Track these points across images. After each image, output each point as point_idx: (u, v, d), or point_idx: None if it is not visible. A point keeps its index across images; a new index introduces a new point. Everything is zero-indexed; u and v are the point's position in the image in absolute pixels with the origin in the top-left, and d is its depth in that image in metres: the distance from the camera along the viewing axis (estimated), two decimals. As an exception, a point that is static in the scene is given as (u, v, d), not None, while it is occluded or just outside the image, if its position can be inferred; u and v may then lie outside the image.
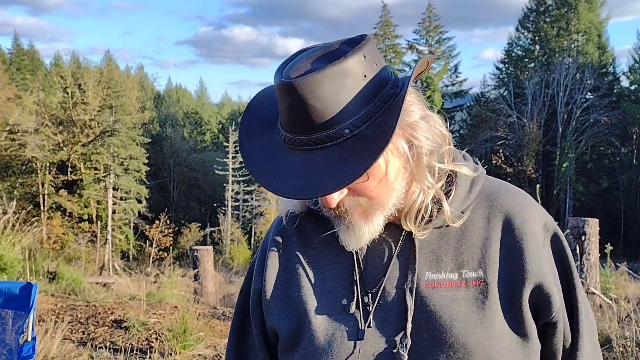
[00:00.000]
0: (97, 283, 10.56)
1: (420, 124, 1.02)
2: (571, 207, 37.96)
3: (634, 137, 40.72)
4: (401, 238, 1.10)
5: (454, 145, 1.13)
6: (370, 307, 1.07)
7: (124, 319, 6.32)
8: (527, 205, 1.12)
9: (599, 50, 41.50)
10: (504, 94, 42.30)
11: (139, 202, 40.07)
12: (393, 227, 1.10)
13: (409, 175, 1.05)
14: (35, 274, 8.32)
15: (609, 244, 7.42)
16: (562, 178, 38.42)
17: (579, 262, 6.81)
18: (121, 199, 39.20)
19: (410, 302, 1.04)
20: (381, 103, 0.98)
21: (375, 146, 0.94)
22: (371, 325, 1.06)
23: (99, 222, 36.79)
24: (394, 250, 1.10)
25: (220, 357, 5.26)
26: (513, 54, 44.45)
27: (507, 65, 44.81)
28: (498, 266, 1.06)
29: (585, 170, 40.42)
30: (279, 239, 1.20)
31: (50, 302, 7.08)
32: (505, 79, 43.38)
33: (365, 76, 0.98)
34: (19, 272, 7.89)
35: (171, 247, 30.11)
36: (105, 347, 5.40)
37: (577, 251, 7.01)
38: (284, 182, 0.98)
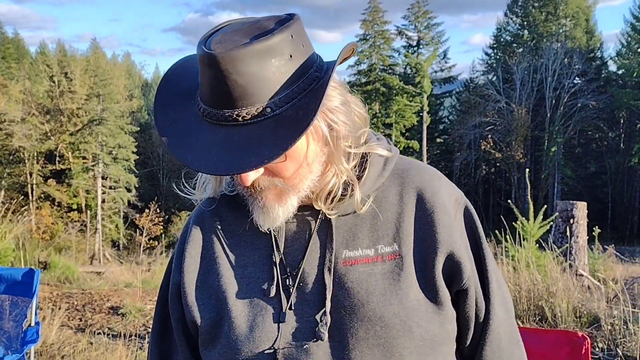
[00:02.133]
0: (90, 272, 10.57)
1: (340, 109, 1.02)
2: (559, 191, 38.29)
3: (622, 121, 41.05)
4: (318, 219, 1.10)
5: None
6: (291, 289, 1.07)
7: (120, 305, 6.37)
8: (437, 180, 1.14)
9: (587, 34, 41.66)
10: (493, 79, 42.41)
11: (129, 190, 39.89)
12: (311, 209, 1.10)
13: (325, 159, 1.05)
14: (27, 263, 8.32)
15: (596, 227, 7.55)
16: (551, 163, 38.71)
17: (568, 245, 6.93)
18: (110, 188, 39.01)
19: (328, 280, 1.06)
20: (305, 85, 0.97)
21: (296, 128, 0.93)
22: (292, 308, 1.06)
23: (88, 211, 36.63)
24: (312, 232, 1.10)
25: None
26: (502, 39, 44.52)
27: (495, 50, 44.89)
28: (412, 239, 1.09)
29: (573, 154, 40.75)
30: (197, 230, 1.17)
31: (45, 290, 7.11)
32: (494, 65, 43.48)
33: (291, 56, 0.97)
34: (10, 261, 7.89)
35: (162, 236, 30.08)
36: (103, 333, 5.45)
37: (567, 234, 7.13)
38: (199, 157, 0.96)
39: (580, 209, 7.45)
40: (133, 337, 5.22)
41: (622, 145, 40.58)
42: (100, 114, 38.38)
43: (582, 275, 6.73)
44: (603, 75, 41.65)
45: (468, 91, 44.83)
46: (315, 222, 1.10)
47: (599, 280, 6.29)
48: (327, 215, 1.09)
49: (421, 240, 1.09)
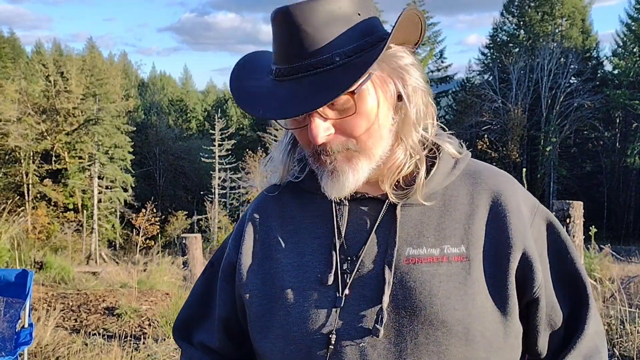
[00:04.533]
0: (85, 272, 10.54)
1: (411, 70, 1.03)
2: (555, 190, 38.37)
3: (617, 121, 41.15)
4: (382, 211, 1.07)
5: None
6: (348, 278, 1.04)
7: (116, 306, 6.34)
8: (511, 183, 1.11)
9: (583, 34, 41.75)
10: (489, 79, 42.46)
11: (125, 190, 39.82)
12: (375, 200, 1.08)
13: (395, 130, 1.05)
14: (23, 263, 8.29)
15: (592, 226, 7.55)
16: (546, 162, 38.79)
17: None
18: (107, 187, 38.93)
19: (388, 276, 1.01)
20: (373, 41, 0.99)
21: (359, 70, 0.95)
22: (348, 298, 1.03)
23: (84, 211, 36.54)
24: (375, 223, 1.06)
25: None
26: (498, 39, 44.58)
27: (492, 50, 44.94)
28: (482, 242, 1.04)
29: (569, 154, 40.82)
30: (258, 214, 1.17)
31: (40, 290, 7.07)
32: (490, 64, 43.52)
33: (359, 14, 1.00)
34: (5, 262, 7.86)
35: (158, 236, 30.01)
36: (99, 334, 5.42)
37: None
38: (271, 106, 0.99)
39: (576, 209, 7.44)
40: (128, 338, 5.20)
41: (617, 145, 40.67)
42: (97, 113, 38.29)
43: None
44: (599, 75, 41.74)
45: (464, 91, 44.88)
46: (379, 213, 1.07)
47: (595, 280, 6.29)
48: (392, 200, 1.06)
49: (492, 244, 1.04)
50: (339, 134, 1.01)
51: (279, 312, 1.06)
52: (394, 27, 0.99)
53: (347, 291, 1.03)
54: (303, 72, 0.98)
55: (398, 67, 1.02)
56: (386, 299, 1.00)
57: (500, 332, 1.02)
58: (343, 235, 1.07)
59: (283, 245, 1.11)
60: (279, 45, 1.01)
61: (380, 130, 1.02)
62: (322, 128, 0.99)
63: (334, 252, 1.06)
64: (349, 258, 1.05)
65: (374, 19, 1.03)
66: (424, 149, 1.08)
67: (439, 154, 1.09)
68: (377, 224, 1.06)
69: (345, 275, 1.04)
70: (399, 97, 1.03)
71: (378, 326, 0.99)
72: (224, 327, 1.16)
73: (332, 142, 1.01)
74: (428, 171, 1.06)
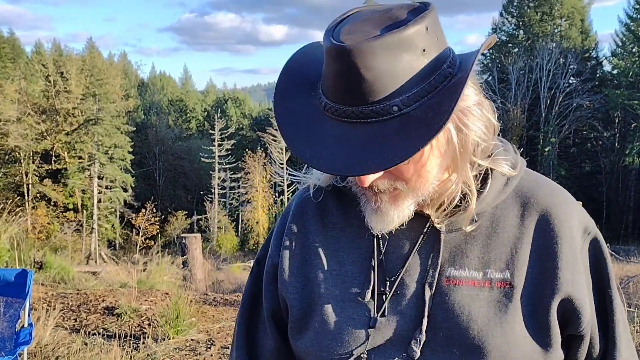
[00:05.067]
0: (85, 272, 10.56)
1: (474, 110, 0.94)
2: (555, 191, 38.39)
3: (616, 121, 41.17)
4: (426, 229, 1.02)
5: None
6: (386, 296, 1.00)
7: (116, 306, 6.35)
8: (568, 205, 1.03)
9: (582, 35, 41.78)
10: (488, 79, 42.46)
11: (125, 190, 39.82)
12: (419, 217, 1.02)
13: (449, 163, 0.97)
14: (22, 263, 8.30)
15: (591, 226, 7.57)
16: (545, 162, 38.81)
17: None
18: (106, 187, 38.94)
19: (428, 296, 0.98)
20: (436, 82, 0.89)
21: (426, 130, 0.85)
22: (385, 315, 1.00)
23: (84, 211, 36.56)
24: (417, 241, 1.02)
25: (213, 341, 5.33)
26: (497, 39, 44.56)
27: (491, 50, 44.89)
28: (527, 269, 0.98)
29: (568, 154, 40.85)
30: (299, 216, 1.13)
31: (40, 290, 7.08)
32: (490, 65, 43.54)
33: (424, 51, 0.88)
34: (5, 262, 7.87)
35: (158, 235, 30.03)
36: (98, 334, 5.44)
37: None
38: (318, 153, 0.90)
39: (575, 209, 7.46)
40: (128, 338, 5.21)
41: (616, 144, 40.70)
42: (96, 113, 38.31)
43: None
44: (598, 75, 41.77)
45: (464, 91, 44.88)
46: (423, 230, 1.02)
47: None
48: (435, 226, 1.01)
49: (538, 272, 0.98)
50: (385, 176, 0.95)
51: (316, 317, 1.04)
52: (468, 71, 0.89)
53: (383, 310, 1.00)
54: (355, 118, 0.89)
55: (460, 110, 0.93)
56: (425, 320, 0.97)
57: None
58: (383, 252, 1.03)
59: (323, 251, 1.08)
60: (332, 81, 0.91)
61: (432, 170, 0.95)
62: (371, 175, 0.93)
63: (372, 272, 1.02)
64: (387, 278, 1.02)
65: (441, 47, 0.92)
66: (476, 170, 1.01)
67: (492, 173, 1.02)
68: (419, 242, 1.02)
69: (383, 296, 1.01)
70: (459, 130, 0.94)
71: (415, 348, 0.97)
72: (273, 320, 1.15)
73: (378, 182, 0.95)
74: (478, 191, 1.00)
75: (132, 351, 4.83)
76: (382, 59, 0.86)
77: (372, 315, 1.01)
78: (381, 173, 0.93)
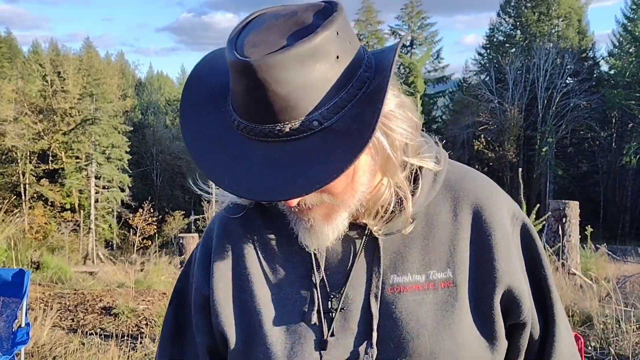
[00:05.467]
0: (82, 272, 10.54)
1: (397, 112, 0.89)
2: (552, 190, 38.43)
3: (613, 121, 41.23)
4: (364, 238, 0.99)
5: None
6: (333, 314, 0.97)
7: (113, 306, 6.34)
8: (495, 194, 1.03)
9: (579, 35, 41.82)
10: (486, 79, 42.50)
11: (122, 190, 39.75)
12: (355, 226, 0.98)
13: (378, 169, 0.92)
14: (19, 263, 8.29)
15: (589, 226, 7.59)
16: (543, 162, 38.84)
17: (560, 244, 6.95)
18: (104, 187, 38.86)
19: (375, 309, 0.95)
20: (355, 90, 0.83)
21: (352, 144, 0.79)
22: (334, 334, 0.96)
23: (81, 211, 36.48)
24: (356, 252, 0.98)
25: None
26: (495, 40, 44.63)
27: (488, 50, 44.99)
28: (468, 265, 0.98)
29: (565, 154, 40.89)
30: (224, 240, 1.04)
31: (37, 290, 7.07)
32: (487, 65, 43.58)
33: (338, 58, 0.82)
34: (2, 262, 7.85)
35: (155, 235, 29.98)
36: (96, 334, 5.42)
37: (559, 233, 7.16)
38: (238, 179, 0.83)
39: (573, 208, 7.48)
40: (125, 338, 5.20)
41: (613, 144, 40.75)
42: (94, 113, 38.23)
43: (575, 274, 6.76)
44: (595, 75, 41.82)
45: (461, 91, 44.92)
46: (361, 240, 0.99)
47: (591, 279, 6.32)
48: (375, 233, 0.97)
49: (477, 267, 0.98)
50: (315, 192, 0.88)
51: (260, 348, 0.98)
52: (388, 76, 0.83)
53: (332, 330, 0.96)
54: (273, 137, 0.82)
55: (383, 115, 0.86)
56: (375, 334, 0.95)
57: (487, 357, 0.99)
58: (323, 268, 0.98)
59: (258, 275, 1.01)
60: (241, 98, 0.84)
61: (361, 179, 0.91)
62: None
63: (314, 290, 0.98)
64: (331, 295, 0.98)
65: (355, 50, 0.86)
66: (404, 169, 0.97)
67: (421, 172, 0.99)
68: (359, 252, 0.99)
69: (331, 313, 0.97)
70: (384, 135, 0.90)
71: None
72: (209, 355, 1.06)
73: (307, 199, 0.89)
74: (411, 192, 0.98)
75: (129, 351, 4.82)
76: (293, 71, 0.79)
77: (321, 337, 0.96)
78: None
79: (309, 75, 0.80)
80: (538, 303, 1.03)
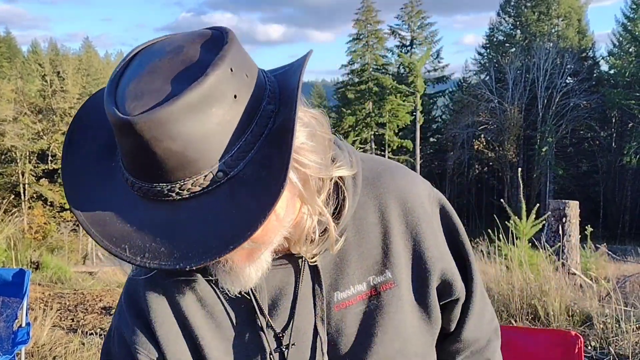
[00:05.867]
0: (82, 272, 10.54)
1: (307, 145, 0.80)
2: (551, 190, 38.45)
3: (613, 120, 41.26)
4: (301, 265, 0.95)
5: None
6: (286, 352, 0.94)
7: (113, 305, 6.34)
8: (413, 183, 1.00)
9: (579, 34, 41.86)
10: (486, 79, 42.53)
11: (122, 190, 39.83)
12: (287, 256, 0.94)
13: (296, 200, 0.85)
14: (19, 263, 8.29)
15: (588, 225, 7.59)
16: (543, 162, 38.86)
17: (560, 244, 6.95)
18: (103, 187, 38.91)
19: (323, 333, 0.94)
20: (259, 128, 0.74)
21: (263, 195, 0.71)
22: None
23: (81, 211, 36.48)
24: (297, 281, 0.94)
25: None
26: (494, 39, 44.66)
27: (488, 50, 45.02)
28: (403, 260, 0.97)
29: (565, 154, 40.92)
30: (157, 301, 0.94)
31: (37, 290, 7.07)
32: (487, 64, 43.61)
33: (235, 97, 0.72)
34: (2, 262, 7.85)
35: (155, 235, 29.96)
36: (96, 334, 5.42)
37: (559, 233, 7.16)
38: (140, 249, 0.73)
39: (573, 208, 7.48)
40: (125, 338, 5.21)
41: (613, 144, 40.78)
42: (93, 113, 38.25)
43: (575, 274, 6.76)
44: (595, 75, 41.86)
45: (461, 91, 44.94)
46: (298, 268, 0.94)
47: (591, 279, 6.31)
48: (309, 260, 0.93)
49: (411, 259, 0.98)
50: None
51: None
52: (294, 110, 0.74)
53: None
54: (172, 195, 0.72)
55: (294, 151, 0.77)
56: (325, 357, 0.95)
57: (429, 339, 1.02)
58: (267, 306, 0.94)
59: (203, 331, 0.94)
60: (128, 157, 0.74)
61: (279, 221, 0.83)
62: None
63: (262, 334, 0.94)
64: (280, 335, 0.95)
65: (256, 81, 0.77)
66: (322, 190, 0.90)
67: (343, 183, 0.93)
68: (299, 281, 0.95)
69: (284, 352, 0.95)
70: (296, 169, 0.82)
71: None
72: None
73: None
74: (340, 208, 0.93)
75: (129, 351, 4.82)
76: (186, 123, 0.69)
77: None
78: None
79: (204, 124, 0.70)
80: (461, 271, 1.04)
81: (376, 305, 0.96)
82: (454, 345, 1.09)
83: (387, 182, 0.98)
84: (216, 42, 0.75)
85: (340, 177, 0.92)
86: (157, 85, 0.71)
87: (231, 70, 0.72)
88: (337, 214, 0.93)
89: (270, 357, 0.94)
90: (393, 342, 0.96)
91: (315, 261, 0.94)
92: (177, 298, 0.94)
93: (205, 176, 0.72)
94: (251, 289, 0.92)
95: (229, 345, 0.95)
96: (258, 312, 0.94)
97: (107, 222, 0.76)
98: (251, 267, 0.85)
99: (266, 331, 0.94)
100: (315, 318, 0.95)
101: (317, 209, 0.87)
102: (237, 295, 0.91)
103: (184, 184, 0.72)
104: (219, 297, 0.95)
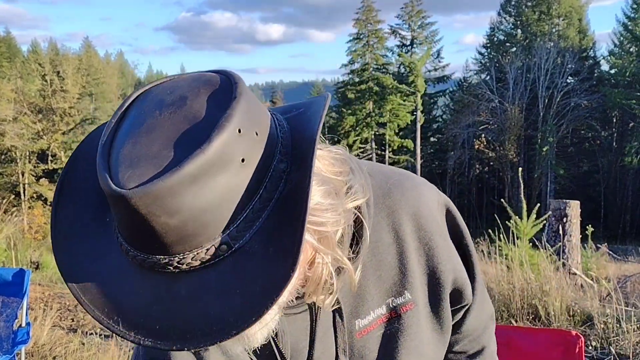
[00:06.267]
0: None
1: (323, 204, 0.74)
2: (552, 190, 38.44)
3: (614, 120, 41.24)
4: (316, 310, 0.92)
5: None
6: None
7: (113, 305, 6.34)
8: (423, 193, 0.97)
9: (580, 34, 41.83)
10: (486, 78, 42.50)
11: (122, 190, 39.83)
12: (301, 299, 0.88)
13: (309, 253, 0.78)
14: (19, 263, 8.29)
15: (589, 225, 7.58)
16: (543, 162, 38.84)
17: (561, 244, 6.95)
18: (103, 187, 38.92)
19: None
20: (269, 193, 0.67)
21: (272, 274, 0.64)
22: None
23: (81, 210, 36.50)
24: (315, 318, 0.91)
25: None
26: (495, 39, 44.64)
27: (489, 50, 44.99)
28: (419, 277, 0.95)
29: (566, 153, 40.89)
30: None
31: (37, 290, 7.07)
32: (488, 64, 43.59)
33: (243, 160, 0.64)
34: (2, 261, 7.85)
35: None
36: (96, 334, 5.42)
37: (560, 232, 7.15)
38: (135, 325, 0.66)
39: (573, 208, 7.47)
40: (125, 338, 5.20)
41: (614, 144, 40.77)
42: (93, 113, 38.26)
43: (575, 274, 6.75)
44: (596, 74, 41.83)
45: (461, 90, 44.92)
46: (315, 307, 0.90)
47: (591, 279, 6.31)
48: (328, 309, 0.89)
49: (426, 274, 0.96)
50: None
51: None
52: (308, 175, 0.66)
53: None
54: (172, 269, 0.66)
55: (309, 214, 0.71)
56: None
57: (442, 350, 1.03)
58: (289, 352, 0.91)
59: None
60: (126, 230, 0.67)
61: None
62: None
63: None
64: None
65: (267, 135, 0.69)
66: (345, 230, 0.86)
67: (360, 213, 0.87)
68: (317, 317, 0.91)
69: None
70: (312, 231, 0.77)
71: None
72: None
73: None
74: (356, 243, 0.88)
75: (129, 350, 4.81)
76: (187, 197, 0.61)
77: None
78: None
79: (207, 196, 0.62)
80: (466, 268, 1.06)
81: (397, 329, 0.95)
82: (453, 337, 1.10)
83: (398, 198, 0.94)
84: (224, 93, 0.67)
85: (359, 210, 0.87)
86: (155, 149, 0.63)
87: (239, 131, 0.64)
88: (354, 246, 0.86)
89: None
90: None
91: (334, 306, 0.89)
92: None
93: (207, 250, 0.65)
94: (271, 339, 0.87)
95: None
96: (278, 357, 0.91)
97: (99, 289, 0.69)
98: (257, 326, 0.74)
99: None
100: (337, 350, 0.93)
101: (335, 256, 0.79)
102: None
103: (184, 258, 0.65)
104: (241, 354, 0.91)
